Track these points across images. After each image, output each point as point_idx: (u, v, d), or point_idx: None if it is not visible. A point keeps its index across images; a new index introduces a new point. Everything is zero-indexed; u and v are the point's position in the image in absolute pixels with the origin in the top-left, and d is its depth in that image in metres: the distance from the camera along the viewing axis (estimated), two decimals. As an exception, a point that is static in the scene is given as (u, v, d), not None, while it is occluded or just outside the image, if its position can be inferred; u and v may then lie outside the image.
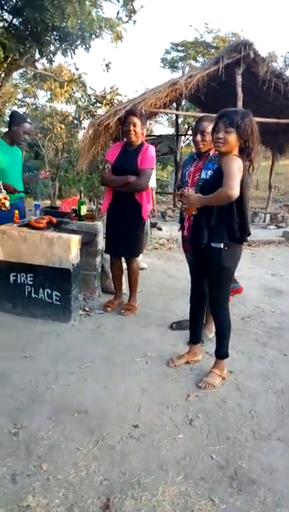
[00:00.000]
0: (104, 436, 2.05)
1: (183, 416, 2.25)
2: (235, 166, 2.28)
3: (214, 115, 2.58)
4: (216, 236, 2.41)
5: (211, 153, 2.96)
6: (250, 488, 1.79)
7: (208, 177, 2.90)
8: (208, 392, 2.49)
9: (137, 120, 3.33)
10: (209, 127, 2.85)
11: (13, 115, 3.81)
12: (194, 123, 3.15)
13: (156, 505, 1.67)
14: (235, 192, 2.24)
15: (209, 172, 2.91)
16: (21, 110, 14.27)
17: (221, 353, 2.63)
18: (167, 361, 2.82)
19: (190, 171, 3.07)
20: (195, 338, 2.86)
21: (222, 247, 2.40)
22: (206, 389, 2.51)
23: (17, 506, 1.63)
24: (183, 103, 12.22)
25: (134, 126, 3.33)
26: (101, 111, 9.37)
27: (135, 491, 1.73)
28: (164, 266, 5.57)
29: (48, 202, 10.77)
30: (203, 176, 2.94)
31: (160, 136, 13.11)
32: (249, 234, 2.45)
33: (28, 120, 3.97)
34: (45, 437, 2.02)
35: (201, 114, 7.79)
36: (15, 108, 13.72)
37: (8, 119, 4.69)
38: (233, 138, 2.29)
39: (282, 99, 7.60)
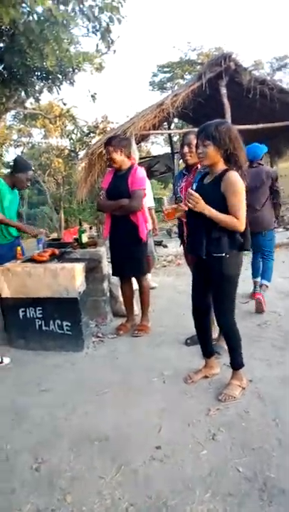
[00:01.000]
0: (127, 462, 2.01)
1: (205, 432, 2.20)
2: (243, 190, 2.32)
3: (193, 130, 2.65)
4: (217, 246, 2.39)
5: (199, 166, 3.00)
6: (282, 498, 1.73)
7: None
8: (229, 404, 2.43)
9: (110, 148, 3.45)
10: (195, 140, 2.90)
11: (18, 162, 3.77)
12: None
13: (185, 526, 1.62)
14: (243, 225, 2.34)
15: None
16: (18, 150, 14.70)
17: (236, 363, 2.58)
18: (185, 378, 2.78)
19: (181, 186, 3.11)
20: (208, 352, 2.82)
21: (224, 255, 2.38)
22: (227, 401, 2.46)
23: None
24: (176, 121, 12.48)
25: (110, 153, 3.46)
26: (95, 140, 9.60)
27: (162, 514, 1.69)
28: (173, 282, 5.55)
29: (55, 235, 10.93)
30: (194, 189, 2.98)
31: (156, 156, 13.30)
32: (250, 241, 2.46)
33: (31, 166, 3.96)
34: (67, 469, 1.99)
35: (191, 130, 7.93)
36: (11, 149, 14.13)
37: (5, 160, 4.80)
38: (211, 150, 2.33)
39: (270, 104, 7.69)
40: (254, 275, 4.46)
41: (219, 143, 2.31)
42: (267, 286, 4.32)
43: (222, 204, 2.33)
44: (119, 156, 3.45)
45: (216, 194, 2.35)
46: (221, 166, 2.39)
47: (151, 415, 2.38)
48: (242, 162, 2.39)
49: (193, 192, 2.36)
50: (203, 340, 2.80)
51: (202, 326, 2.76)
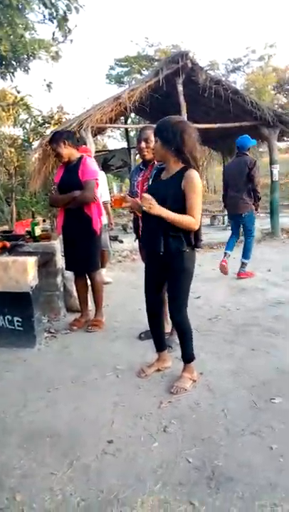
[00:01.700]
0: (79, 457, 2.00)
1: (157, 424, 2.24)
2: (200, 190, 2.36)
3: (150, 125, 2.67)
4: (177, 242, 2.42)
5: (156, 162, 3.02)
6: (229, 485, 1.80)
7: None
8: (180, 396, 2.49)
9: (53, 145, 3.46)
10: (152, 135, 2.92)
11: None
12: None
13: (136, 518, 1.65)
14: (198, 225, 2.38)
15: None
16: None
17: (187, 356, 2.65)
18: (138, 372, 2.80)
19: (138, 181, 3.12)
20: (160, 346, 2.86)
21: (184, 250, 2.42)
22: (178, 394, 2.51)
23: None
24: (132, 116, 12.45)
25: (55, 150, 3.48)
26: (50, 131, 9.35)
27: (114, 507, 1.70)
28: (128, 277, 5.58)
29: (6, 227, 10.56)
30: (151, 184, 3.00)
31: (112, 150, 13.22)
32: (201, 240, 2.53)
33: None
34: (16, 467, 1.95)
35: (149, 125, 7.95)
36: None
37: None
38: (158, 145, 2.39)
39: (224, 104, 7.87)
40: (226, 248, 5.49)
41: (166, 139, 2.34)
42: (245, 264, 5.34)
43: (180, 201, 2.36)
44: (64, 150, 3.42)
45: (175, 190, 2.36)
46: (175, 163, 2.40)
47: (103, 410, 2.39)
48: (194, 161, 2.38)
49: (147, 196, 2.36)
50: (156, 334, 2.84)
51: (155, 321, 2.79)
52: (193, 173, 2.35)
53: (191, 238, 2.43)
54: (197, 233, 2.45)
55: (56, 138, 3.45)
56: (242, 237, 5.61)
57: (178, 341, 3.14)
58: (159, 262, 2.54)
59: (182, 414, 2.32)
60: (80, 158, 3.47)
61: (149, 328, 3.42)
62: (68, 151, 3.43)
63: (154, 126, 3.15)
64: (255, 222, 5.47)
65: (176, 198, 2.35)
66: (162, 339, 2.86)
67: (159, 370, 2.83)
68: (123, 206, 2.81)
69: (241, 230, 5.53)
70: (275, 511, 1.65)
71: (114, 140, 24.47)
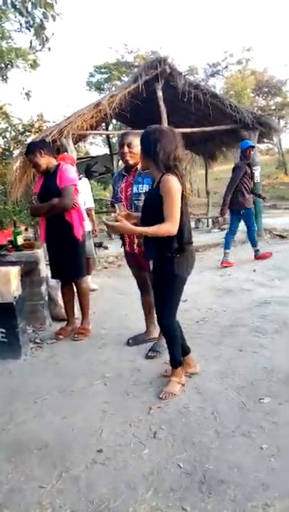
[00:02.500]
0: (68, 468, 1.97)
1: (146, 430, 2.22)
2: (176, 194, 2.33)
3: (139, 131, 2.69)
4: (158, 248, 2.43)
5: (139, 167, 3.02)
6: (220, 488, 1.79)
7: (139, 191, 2.97)
8: (169, 401, 2.47)
9: (30, 156, 3.46)
10: (134, 140, 2.93)
11: None
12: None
13: (127, 527, 1.62)
14: (176, 228, 2.34)
15: (140, 186, 2.98)
16: None
17: (175, 361, 2.63)
18: (162, 373, 2.79)
19: (121, 187, 3.12)
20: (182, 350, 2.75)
21: (174, 255, 2.42)
22: (167, 398, 2.50)
23: None
24: (114, 122, 12.47)
25: (32, 161, 3.48)
26: (31, 139, 9.30)
27: (105, 517, 1.67)
28: (114, 284, 5.55)
29: (-11, 238, 10.41)
30: (134, 190, 3.01)
31: (94, 157, 13.23)
32: (190, 242, 2.51)
33: None
34: (4, 482, 1.90)
35: (131, 131, 7.97)
36: None
37: None
38: (141, 155, 2.49)
39: (204, 108, 7.94)
40: (224, 247, 6.17)
41: (144, 149, 2.43)
42: (258, 250, 6.33)
43: (160, 209, 2.36)
44: (40, 159, 3.42)
45: (157, 198, 2.38)
46: (157, 171, 2.41)
47: (92, 419, 2.36)
48: (173, 168, 2.37)
49: (109, 223, 2.46)
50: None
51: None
52: (167, 178, 2.34)
53: (173, 243, 2.41)
54: (179, 237, 2.41)
55: (32, 149, 3.44)
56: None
57: (166, 346, 3.16)
58: (154, 268, 2.58)
59: (172, 419, 2.30)
60: (58, 166, 3.46)
61: (136, 334, 3.44)
62: (45, 160, 3.42)
63: (135, 131, 3.18)
64: (252, 218, 6.27)
65: (158, 205, 2.36)
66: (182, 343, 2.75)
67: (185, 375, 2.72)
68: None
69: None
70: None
71: (96, 146, 24.50)
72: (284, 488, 1.74)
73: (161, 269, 2.50)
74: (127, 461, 1.99)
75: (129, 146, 3.01)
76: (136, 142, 2.92)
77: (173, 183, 2.33)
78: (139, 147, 2.77)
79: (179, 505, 1.71)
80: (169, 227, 2.33)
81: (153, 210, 2.39)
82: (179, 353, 2.63)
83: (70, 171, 3.47)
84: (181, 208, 2.37)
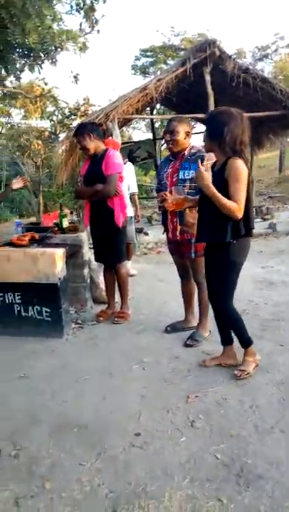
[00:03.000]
0: (106, 449, 2.02)
1: (184, 418, 2.23)
2: (244, 178, 2.33)
3: (185, 116, 2.65)
4: (221, 232, 2.41)
5: (186, 152, 2.98)
6: (258, 483, 1.77)
7: (185, 177, 2.93)
8: (207, 391, 2.47)
9: (79, 137, 3.43)
10: (179, 127, 2.91)
11: None
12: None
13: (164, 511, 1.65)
14: (241, 213, 2.34)
15: (187, 172, 2.93)
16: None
17: (245, 342, 2.64)
18: (200, 362, 2.80)
19: (167, 172, 3.08)
20: (224, 340, 2.77)
21: (231, 241, 2.41)
22: (242, 377, 2.54)
23: (22, 531, 1.59)
24: (158, 106, 12.32)
25: (80, 143, 3.44)
26: (76, 123, 9.39)
27: (142, 499, 1.70)
28: (154, 270, 5.56)
29: (33, 219, 10.72)
30: (181, 176, 2.97)
31: (138, 142, 13.14)
32: (252, 228, 2.50)
33: None
34: (46, 456, 1.98)
35: (176, 116, 7.86)
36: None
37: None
38: (205, 137, 2.44)
39: (253, 93, 7.67)
40: None
41: (209, 132, 2.39)
42: None
43: (225, 191, 2.35)
44: (89, 142, 3.39)
45: (220, 181, 2.37)
46: (221, 154, 2.41)
47: (131, 402, 2.39)
48: (239, 152, 2.37)
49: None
50: (221, 327, 2.78)
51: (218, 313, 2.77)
52: (235, 162, 2.33)
53: (241, 228, 2.40)
54: (248, 221, 2.42)
55: (81, 131, 3.42)
56: None
57: (205, 336, 3.15)
58: (210, 253, 2.57)
59: (209, 409, 2.29)
60: (105, 151, 3.45)
61: (175, 322, 3.44)
62: (94, 144, 3.41)
63: (181, 116, 3.12)
64: None
65: (222, 188, 2.35)
66: (225, 332, 2.76)
67: (220, 365, 2.73)
68: (185, 207, 2.80)
69: None
70: (306, 512, 1.61)
71: (139, 131, 24.33)
72: None
73: (218, 255, 2.49)
74: (164, 447, 2.02)
75: (171, 133, 2.97)
76: (179, 128, 2.92)
77: (241, 166, 2.31)
78: (182, 134, 2.79)
79: (214, 496, 1.71)
80: (236, 208, 2.32)
81: (219, 192, 2.36)
82: (246, 333, 2.63)
83: (117, 158, 3.45)
84: (247, 192, 2.37)
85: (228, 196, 2.33)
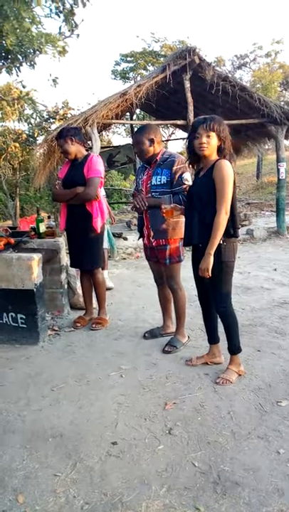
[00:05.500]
0: (82, 458, 1.97)
1: (162, 426, 2.21)
2: (231, 179, 2.40)
3: (155, 122, 2.66)
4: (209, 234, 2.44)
5: (158, 158, 2.99)
6: (235, 490, 1.77)
7: (157, 183, 2.95)
8: (185, 398, 2.46)
9: (60, 141, 3.40)
10: (140, 137, 3.00)
11: None
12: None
13: (140, 523, 1.62)
14: (227, 214, 2.40)
15: (158, 178, 2.95)
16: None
17: (234, 348, 2.65)
18: (186, 361, 2.83)
19: (143, 179, 3.09)
20: (211, 339, 2.84)
21: (221, 243, 2.44)
22: (224, 385, 2.55)
23: None
24: (138, 112, 12.36)
25: (62, 146, 3.42)
26: (55, 126, 9.31)
27: (118, 510, 1.67)
28: (132, 275, 5.54)
29: (9, 222, 10.55)
30: (153, 182, 2.98)
31: (117, 146, 13.14)
32: (239, 228, 2.56)
33: None
34: (19, 467, 1.92)
35: (153, 122, 7.88)
36: None
37: None
38: (214, 141, 2.45)
39: (231, 101, 7.78)
40: None
41: (221, 135, 2.45)
42: None
43: (214, 193, 2.41)
44: (71, 147, 3.38)
45: (209, 185, 2.43)
46: (214, 156, 2.50)
47: (107, 410, 2.36)
48: (230, 155, 2.53)
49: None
50: (207, 326, 2.84)
51: (206, 313, 2.82)
52: (224, 162, 2.42)
53: (229, 228, 2.45)
54: (234, 222, 2.46)
55: (64, 134, 3.38)
56: None
57: (183, 342, 3.15)
58: (199, 255, 2.56)
59: (187, 416, 2.28)
60: (87, 156, 3.43)
61: (153, 328, 3.43)
62: (75, 148, 3.39)
63: (144, 125, 3.14)
64: None
65: (210, 192, 2.42)
66: (213, 332, 2.83)
67: (206, 363, 2.81)
68: (174, 216, 2.80)
69: None
70: (283, 518, 1.62)
71: (118, 136, 24.36)
72: (301, 496, 1.71)
73: (214, 257, 2.49)
74: (141, 455, 1.99)
75: (137, 145, 3.02)
76: (141, 139, 2.96)
77: (230, 168, 2.40)
78: (146, 143, 2.93)
79: (192, 505, 1.70)
80: (223, 214, 2.38)
81: (206, 196, 2.43)
82: (237, 339, 2.65)
83: (99, 164, 3.43)
84: (233, 193, 2.44)
85: (215, 197, 2.40)
